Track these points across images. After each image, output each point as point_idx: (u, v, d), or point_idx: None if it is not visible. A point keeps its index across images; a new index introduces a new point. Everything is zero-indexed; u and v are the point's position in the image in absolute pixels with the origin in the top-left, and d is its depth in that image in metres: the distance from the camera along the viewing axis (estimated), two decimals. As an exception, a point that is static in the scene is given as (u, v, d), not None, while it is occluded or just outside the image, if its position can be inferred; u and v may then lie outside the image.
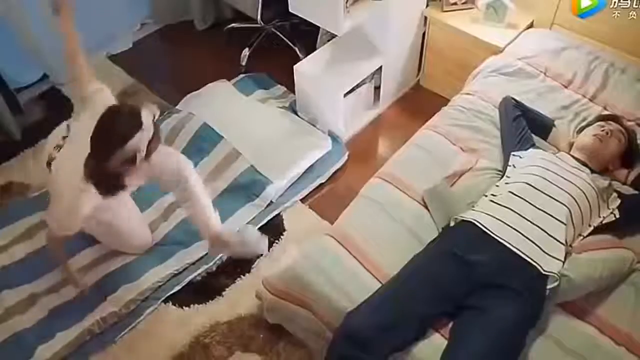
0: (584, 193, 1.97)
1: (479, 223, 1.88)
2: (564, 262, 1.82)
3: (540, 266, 1.79)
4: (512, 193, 1.96)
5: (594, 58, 2.67)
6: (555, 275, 1.78)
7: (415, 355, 1.73)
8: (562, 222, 1.87)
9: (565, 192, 1.94)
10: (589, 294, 1.83)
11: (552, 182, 1.98)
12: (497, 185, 2.07)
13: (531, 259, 1.80)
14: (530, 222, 1.87)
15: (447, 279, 1.79)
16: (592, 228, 1.98)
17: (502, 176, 2.15)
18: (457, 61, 3.00)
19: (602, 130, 2.16)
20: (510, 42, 2.82)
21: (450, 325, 1.77)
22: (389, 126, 3.12)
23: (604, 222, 2.00)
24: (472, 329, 1.71)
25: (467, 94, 2.58)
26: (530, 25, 2.94)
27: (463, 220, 1.93)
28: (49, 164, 2.04)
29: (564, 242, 1.85)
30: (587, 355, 1.72)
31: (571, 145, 2.24)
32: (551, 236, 1.85)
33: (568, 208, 1.90)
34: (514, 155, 2.18)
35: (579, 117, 2.45)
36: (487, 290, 1.77)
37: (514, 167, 2.14)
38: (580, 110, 2.49)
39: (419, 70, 3.29)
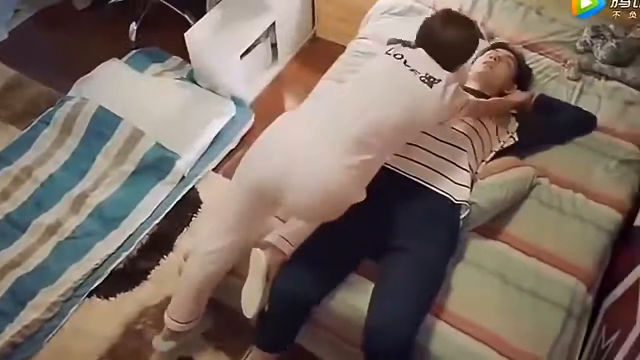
0: (482, 121, 2.04)
1: (388, 165, 1.91)
2: (471, 189, 1.90)
3: (452, 196, 1.85)
4: (416, 130, 1.99)
5: (477, -13, 2.72)
6: (466, 203, 1.86)
7: (339, 299, 1.78)
8: (464, 150, 1.93)
9: (464, 122, 2.00)
10: (498, 214, 1.93)
11: (451, 114, 2.03)
12: (401, 125, 2.10)
13: (443, 191, 1.86)
14: (436, 155, 1.92)
15: (365, 223, 1.81)
16: (493, 153, 2.05)
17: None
18: (348, 7, 2.98)
19: (491, 58, 2.22)
20: (397, -19, 2.82)
21: (375, 268, 1.81)
22: (291, 81, 3.09)
23: (504, 146, 2.08)
24: (395, 268, 1.75)
25: (362, 38, 2.58)
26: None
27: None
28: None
29: (468, 169, 1.92)
30: (503, 271, 1.82)
31: (466, 76, 2.31)
32: (457, 165, 1.91)
33: (468, 136, 1.96)
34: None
35: (470, 48, 2.51)
36: (405, 229, 1.81)
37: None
38: (470, 40, 2.55)
39: (313, 21, 3.25)
